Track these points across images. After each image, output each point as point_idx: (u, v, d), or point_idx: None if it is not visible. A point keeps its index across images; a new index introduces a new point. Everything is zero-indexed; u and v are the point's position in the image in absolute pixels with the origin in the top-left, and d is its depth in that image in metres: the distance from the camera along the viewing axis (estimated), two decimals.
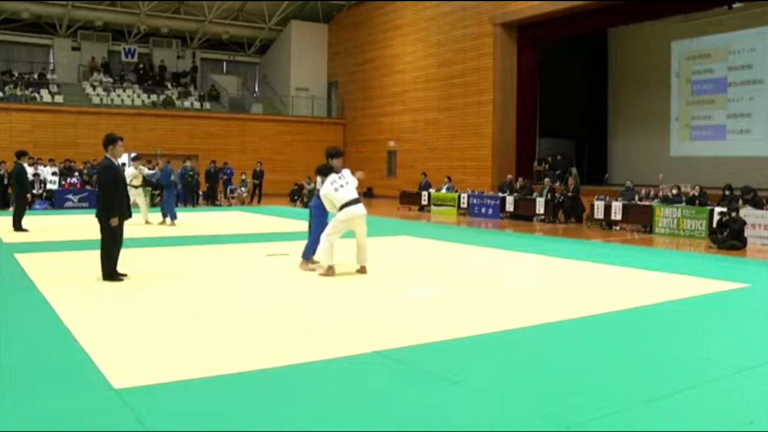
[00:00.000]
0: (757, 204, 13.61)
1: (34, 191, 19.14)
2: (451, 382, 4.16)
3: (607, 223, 16.01)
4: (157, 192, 22.00)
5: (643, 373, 4.43)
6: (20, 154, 13.38)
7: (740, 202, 13.79)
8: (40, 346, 4.94)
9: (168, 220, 14.90)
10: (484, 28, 23.17)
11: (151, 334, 5.26)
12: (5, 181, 19.07)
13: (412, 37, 26.99)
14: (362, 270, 8.35)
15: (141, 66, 30.96)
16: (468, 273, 8.69)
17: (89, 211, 13.03)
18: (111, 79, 29.62)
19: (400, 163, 27.81)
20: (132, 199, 14.51)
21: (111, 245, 7.51)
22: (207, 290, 7.19)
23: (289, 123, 30.51)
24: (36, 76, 28.16)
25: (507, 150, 22.84)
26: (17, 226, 12.83)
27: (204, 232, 13.60)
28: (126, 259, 7.90)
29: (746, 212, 12.96)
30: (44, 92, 26.92)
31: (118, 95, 28.47)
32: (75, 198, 20.31)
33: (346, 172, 8.32)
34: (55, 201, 20.07)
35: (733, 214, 12.56)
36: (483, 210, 19.40)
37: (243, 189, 24.45)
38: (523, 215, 18.21)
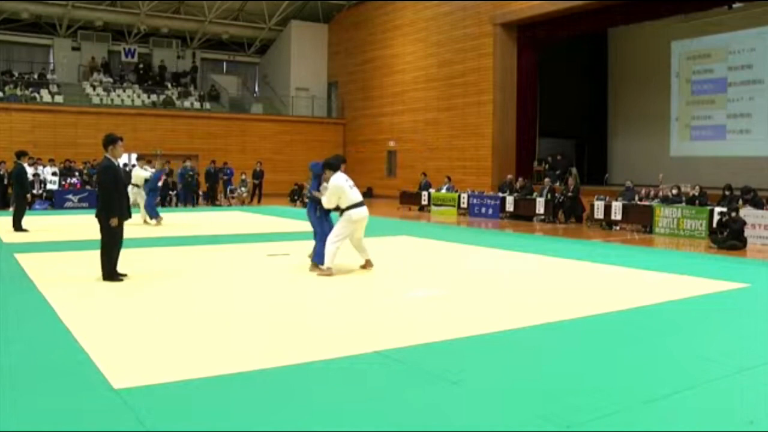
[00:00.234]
0: (757, 204, 13.61)
1: (34, 191, 19.14)
2: (451, 382, 4.16)
3: (607, 223, 16.01)
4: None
5: (643, 373, 4.43)
6: (20, 154, 13.38)
7: (740, 202, 13.79)
8: (40, 346, 4.94)
9: (153, 221, 14.87)
10: (484, 28, 23.17)
11: (151, 334, 5.26)
12: (5, 181, 19.07)
13: (412, 37, 26.99)
14: (368, 264, 8.50)
15: (141, 66, 30.95)
16: (468, 273, 8.69)
17: (89, 211, 13.03)
18: (111, 79, 29.62)
19: (400, 163, 27.81)
20: (132, 199, 14.55)
21: (111, 245, 7.51)
22: (207, 290, 7.19)
23: (289, 123, 30.51)
24: (36, 76, 28.15)
25: (507, 150, 22.85)
26: (17, 227, 12.83)
27: (204, 232, 13.60)
28: (126, 259, 7.90)
29: (746, 212, 12.96)
30: (44, 92, 26.92)
31: (118, 95, 28.46)
32: (75, 198, 20.31)
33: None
34: (55, 201, 20.07)
35: (733, 214, 12.56)
36: (483, 210, 19.39)
37: (243, 189, 24.45)
38: (523, 215, 18.21)
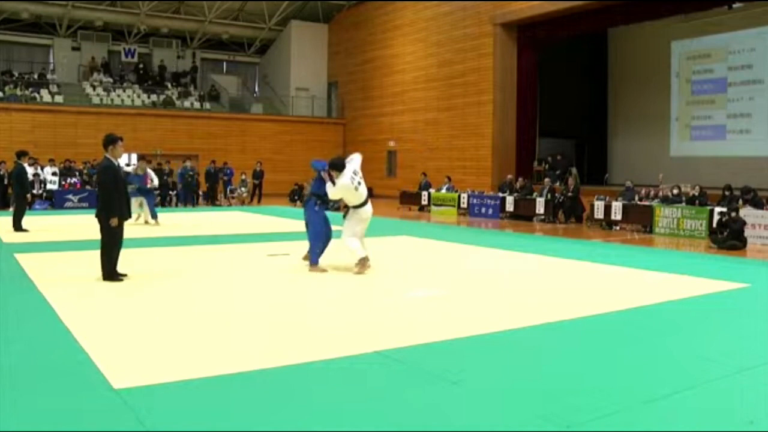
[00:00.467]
0: (757, 204, 13.61)
1: (34, 191, 19.14)
2: (451, 382, 4.16)
3: (607, 223, 16.01)
4: (157, 192, 22.03)
5: (643, 373, 4.43)
6: (21, 154, 13.37)
7: (740, 202, 13.80)
8: (40, 346, 4.94)
9: (153, 220, 14.84)
10: (484, 28, 23.17)
11: (151, 334, 5.26)
12: (5, 181, 19.07)
13: (412, 37, 26.99)
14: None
15: (141, 66, 30.95)
16: (468, 273, 8.69)
17: (89, 211, 13.03)
18: (111, 79, 29.61)
19: (400, 163, 27.81)
20: (139, 199, 14.58)
21: (111, 245, 7.51)
22: (207, 290, 7.19)
23: (289, 123, 30.51)
24: (36, 76, 28.15)
25: (507, 150, 22.84)
26: (17, 226, 12.81)
27: (204, 232, 13.60)
28: (126, 259, 7.90)
29: (746, 212, 12.96)
30: (44, 92, 26.92)
31: (118, 95, 28.46)
32: (75, 198, 20.31)
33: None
34: (55, 201, 20.07)
35: (733, 214, 12.56)
36: (483, 210, 19.39)
37: (243, 189, 24.45)
38: (523, 215, 18.21)
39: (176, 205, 22.08)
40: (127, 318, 5.79)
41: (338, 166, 8.30)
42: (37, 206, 19.19)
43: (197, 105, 29.66)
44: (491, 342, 5.22)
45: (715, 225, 13.34)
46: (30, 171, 17.09)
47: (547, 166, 22.42)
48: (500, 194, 19.31)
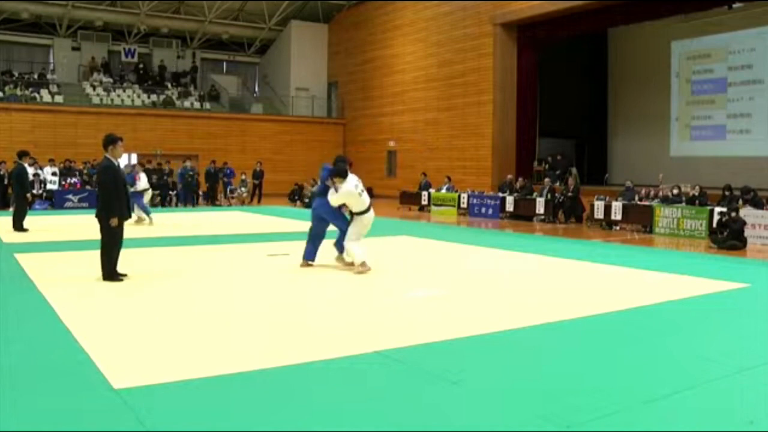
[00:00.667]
0: (757, 204, 13.62)
1: (34, 191, 19.13)
2: (451, 382, 4.16)
3: (607, 223, 16.01)
4: (157, 192, 22.04)
5: (643, 373, 4.43)
6: (22, 155, 13.33)
7: (740, 202, 13.79)
8: (40, 346, 4.94)
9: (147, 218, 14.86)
10: (484, 28, 23.17)
11: (151, 334, 5.26)
12: (5, 181, 19.06)
13: (412, 37, 26.99)
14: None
15: (141, 66, 30.95)
16: (468, 273, 8.69)
17: (89, 211, 13.03)
18: (111, 79, 29.61)
19: (400, 163, 27.81)
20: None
21: (111, 245, 7.51)
22: (207, 290, 7.19)
23: (289, 123, 30.51)
24: (36, 76, 28.14)
25: (507, 150, 22.84)
26: (18, 227, 12.78)
27: (204, 232, 13.60)
28: (126, 259, 7.90)
29: (746, 212, 12.96)
30: (44, 92, 26.91)
31: (118, 95, 28.46)
32: (75, 198, 20.31)
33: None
34: (55, 201, 20.07)
35: (733, 214, 12.56)
36: (483, 210, 19.39)
37: (243, 189, 24.45)
38: (523, 215, 18.21)
39: (176, 205, 22.08)
40: (127, 318, 5.79)
41: (342, 172, 8.40)
42: (37, 206, 19.18)
43: (197, 105, 29.66)
44: (491, 342, 5.22)
45: (715, 225, 13.34)
46: (30, 171, 17.08)
47: (547, 166, 22.42)
48: (500, 194, 19.31)
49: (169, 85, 30.66)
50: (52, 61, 30.19)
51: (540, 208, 17.72)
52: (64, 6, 28.12)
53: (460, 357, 4.77)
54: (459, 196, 20.45)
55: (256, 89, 34.78)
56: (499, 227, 16.61)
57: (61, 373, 4.28)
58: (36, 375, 4.21)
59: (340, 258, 8.84)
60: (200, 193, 23.17)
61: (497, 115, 22.73)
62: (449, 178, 21.97)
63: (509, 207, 18.64)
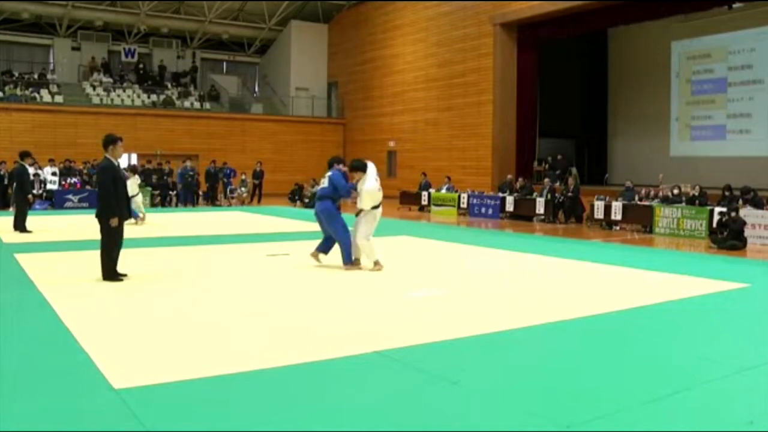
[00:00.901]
0: (757, 204, 13.61)
1: (34, 191, 19.10)
2: (451, 382, 4.16)
3: (607, 223, 16.01)
4: (157, 192, 22.05)
5: (643, 373, 4.43)
6: (24, 155, 13.25)
7: (740, 202, 13.79)
8: (40, 346, 4.94)
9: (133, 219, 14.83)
10: (484, 28, 23.17)
11: (151, 334, 5.26)
12: (5, 181, 19.05)
13: (412, 37, 26.99)
14: (358, 263, 8.71)
15: (141, 66, 30.95)
16: (468, 273, 8.69)
17: (89, 211, 13.03)
18: (111, 79, 29.61)
19: (400, 163, 27.81)
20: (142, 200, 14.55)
21: (111, 245, 7.52)
22: (207, 290, 7.19)
23: (289, 123, 30.50)
24: (36, 76, 28.14)
25: (507, 150, 22.84)
26: (21, 228, 12.71)
27: (204, 232, 13.60)
28: (126, 259, 7.90)
29: (746, 212, 12.96)
30: (44, 92, 26.91)
31: (118, 95, 28.46)
32: (75, 198, 20.31)
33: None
34: (55, 201, 20.07)
35: (733, 214, 12.56)
36: (483, 210, 19.39)
37: (243, 189, 24.46)
38: (523, 215, 18.21)
39: (176, 205, 22.09)
40: (127, 318, 5.79)
41: (361, 167, 8.56)
42: (37, 206, 19.16)
43: (197, 105, 29.66)
44: (491, 342, 5.22)
45: (715, 225, 13.34)
46: (30, 171, 17.04)
47: (547, 166, 22.41)
48: (500, 194, 19.31)
49: (169, 85, 30.66)
50: (52, 61, 30.19)
51: (540, 208, 17.72)
52: (64, 6, 28.12)
53: (460, 357, 4.77)
54: (459, 196, 20.44)
55: (256, 89, 34.78)
56: (499, 227, 16.61)
57: (61, 373, 4.28)
58: (36, 375, 4.21)
59: (315, 255, 8.88)
60: (200, 193, 23.18)
61: (497, 115, 22.73)
62: (449, 178, 21.97)
63: (509, 207, 18.64)
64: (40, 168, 20.51)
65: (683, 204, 14.85)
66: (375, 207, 8.55)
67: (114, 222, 7.41)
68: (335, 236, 8.68)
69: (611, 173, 24.04)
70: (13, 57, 29.42)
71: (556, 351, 5.01)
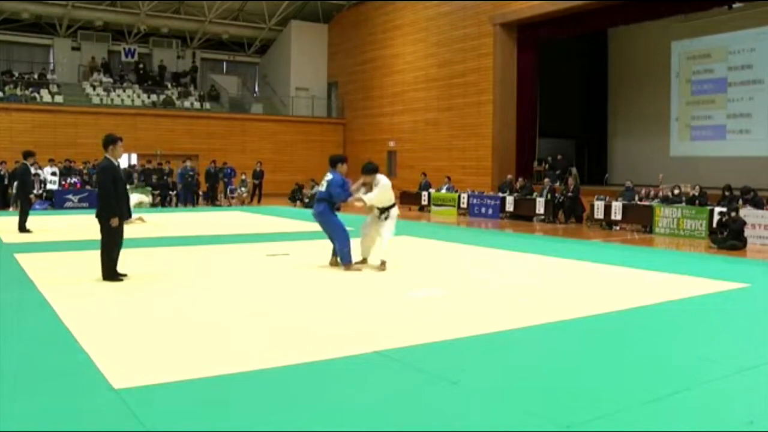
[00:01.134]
0: (757, 204, 13.62)
1: (35, 191, 19.09)
2: (451, 382, 4.16)
3: (607, 223, 16.01)
4: (157, 192, 22.05)
5: (643, 373, 4.43)
6: (27, 155, 13.16)
7: (740, 202, 13.79)
8: (40, 346, 4.94)
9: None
10: (484, 28, 23.16)
11: (151, 334, 5.26)
12: (5, 181, 19.03)
13: (412, 37, 26.98)
14: (364, 263, 8.85)
15: (141, 66, 30.95)
16: (468, 273, 8.69)
17: (89, 211, 13.02)
18: (111, 79, 29.60)
19: (400, 163, 27.81)
20: (137, 201, 14.55)
21: (111, 245, 7.52)
22: (207, 290, 7.19)
23: (289, 123, 30.50)
24: (36, 76, 28.14)
25: (507, 150, 22.83)
26: (22, 228, 12.69)
27: (204, 232, 13.60)
28: (126, 259, 7.90)
29: (746, 212, 12.96)
30: (44, 92, 26.91)
31: (118, 95, 28.45)
32: (75, 198, 20.31)
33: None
34: (55, 201, 20.06)
35: (733, 214, 12.56)
36: (483, 210, 19.39)
37: (243, 189, 24.45)
38: (523, 215, 18.21)
39: (176, 205, 22.08)
40: (127, 318, 5.79)
41: (372, 169, 8.80)
42: (37, 206, 19.15)
43: (197, 105, 29.65)
44: (491, 342, 5.22)
45: (715, 225, 13.34)
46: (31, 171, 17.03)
47: (547, 166, 22.41)
48: (500, 194, 19.31)
49: (169, 85, 30.65)
50: (52, 61, 30.18)
51: (540, 208, 17.72)
52: (64, 6, 28.12)
53: (460, 357, 4.77)
54: (459, 196, 20.45)
55: (256, 89, 34.78)
56: (499, 227, 16.61)
57: (61, 373, 4.28)
58: (36, 375, 4.21)
59: (335, 261, 8.86)
60: (200, 193, 23.18)
61: (497, 115, 22.72)
62: (449, 178, 21.97)
63: (509, 207, 18.64)
64: (40, 168, 20.50)
65: (683, 204, 14.85)
66: (393, 206, 8.79)
67: (114, 222, 7.41)
68: (333, 237, 8.67)
69: (611, 173, 24.04)
70: (13, 57, 29.41)
71: (556, 351, 5.01)
